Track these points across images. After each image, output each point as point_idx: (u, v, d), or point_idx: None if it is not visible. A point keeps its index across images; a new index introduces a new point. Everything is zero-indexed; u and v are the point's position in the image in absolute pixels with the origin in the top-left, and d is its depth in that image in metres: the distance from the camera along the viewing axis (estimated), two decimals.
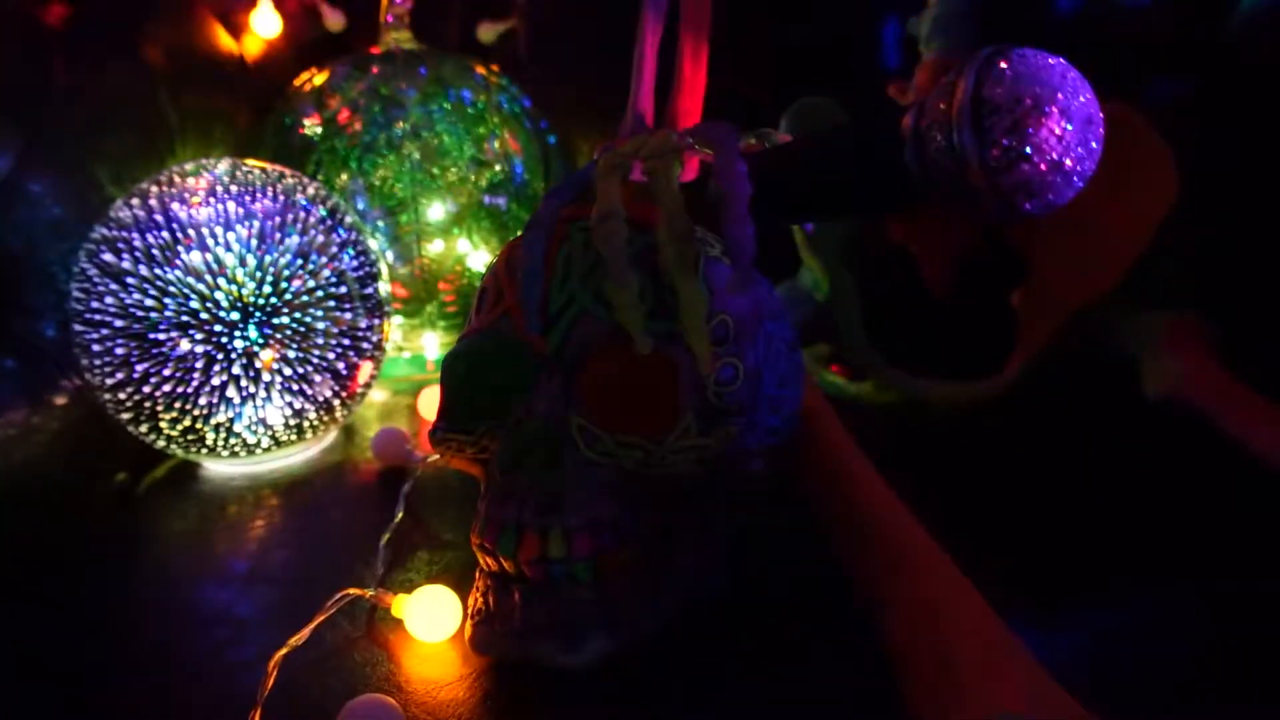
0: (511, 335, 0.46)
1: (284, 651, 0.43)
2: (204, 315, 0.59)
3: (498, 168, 0.85)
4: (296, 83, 0.87)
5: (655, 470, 0.43)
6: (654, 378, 0.44)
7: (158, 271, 0.59)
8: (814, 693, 0.42)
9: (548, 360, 0.44)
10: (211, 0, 0.92)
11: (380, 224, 0.81)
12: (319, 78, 0.85)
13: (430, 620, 0.46)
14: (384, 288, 0.70)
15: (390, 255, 0.82)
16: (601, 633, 0.42)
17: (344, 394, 0.67)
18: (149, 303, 0.58)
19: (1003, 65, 0.31)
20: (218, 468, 0.69)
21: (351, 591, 0.48)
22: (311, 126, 0.82)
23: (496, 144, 0.84)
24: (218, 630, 0.48)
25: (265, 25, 0.98)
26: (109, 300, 0.59)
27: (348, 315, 0.65)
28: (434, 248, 0.83)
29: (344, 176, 0.80)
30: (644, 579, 0.44)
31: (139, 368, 0.59)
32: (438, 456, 0.58)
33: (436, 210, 0.82)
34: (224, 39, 0.89)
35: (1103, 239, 0.73)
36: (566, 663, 0.42)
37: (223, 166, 0.64)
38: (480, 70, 0.89)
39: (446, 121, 0.83)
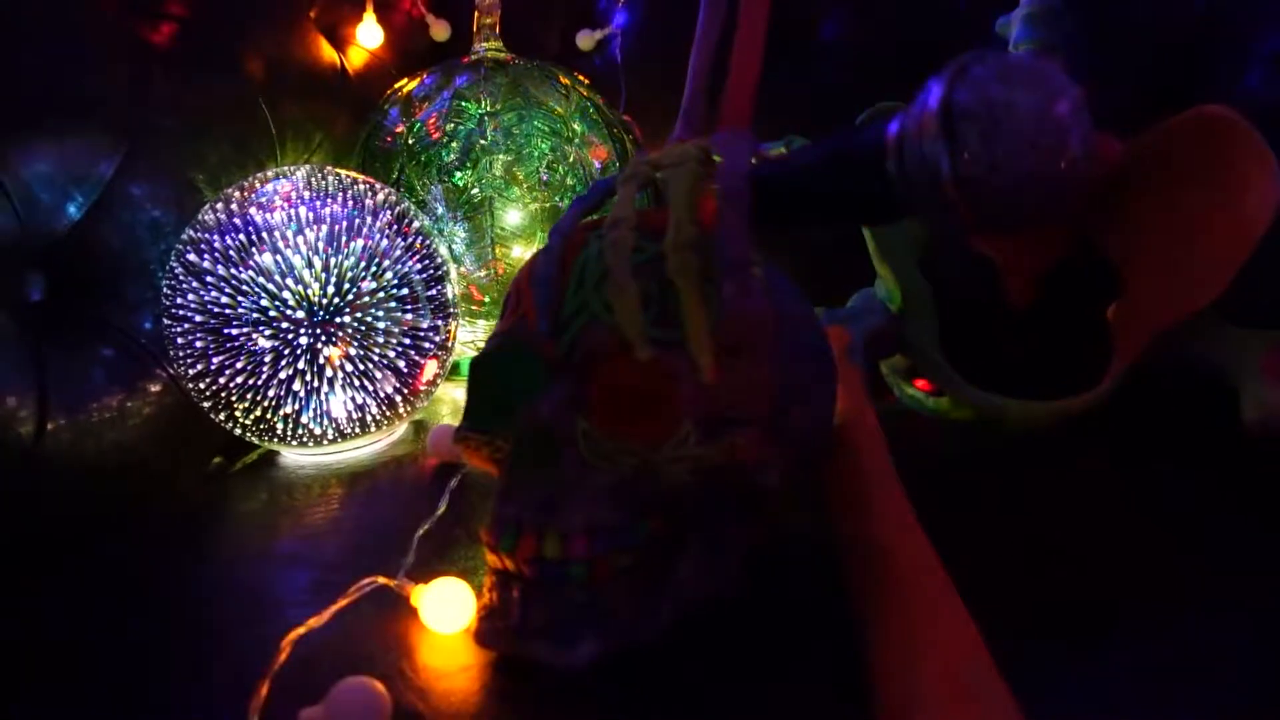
0: (525, 339, 0.47)
1: (301, 631, 0.45)
2: (273, 313, 0.63)
3: (577, 174, 0.86)
4: (388, 91, 0.91)
5: (651, 477, 0.43)
6: (654, 385, 0.44)
7: (233, 271, 0.63)
8: (807, 708, 0.41)
9: (558, 364, 0.45)
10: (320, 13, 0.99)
11: (459, 228, 0.84)
12: (408, 86, 0.89)
13: (443, 612, 0.48)
14: (450, 290, 0.73)
15: (468, 259, 0.84)
16: (594, 635, 0.43)
17: (406, 390, 0.70)
18: (225, 300, 0.63)
19: (977, 71, 0.30)
20: (293, 456, 0.74)
21: (378, 580, 0.51)
22: (398, 134, 0.86)
23: (574, 151, 0.86)
24: (249, 607, 0.51)
25: (369, 37, 1.03)
26: (190, 297, 0.64)
27: (409, 316, 0.68)
28: (512, 252, 0.86)
29: (425, 182, 0.83)
30: (642, 585, 0.44)
31: (215, 360, 0.64)
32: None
33: (513, 216, 0.84)
34: (325, 49, 0.94)
35: (1201, 249, 0.68)
36: (558, 661, 0.43)
37: (301, 173, 0.68)
38: (563, 79, 0.90)
39: (525, 129, 0.85)
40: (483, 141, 0.84)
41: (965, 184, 0.30)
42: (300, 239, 0.64)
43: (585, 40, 1.17)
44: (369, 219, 0.67)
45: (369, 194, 0.69)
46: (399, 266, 0.68)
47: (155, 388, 0.70)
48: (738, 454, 0.44)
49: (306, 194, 0.66)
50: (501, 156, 0.84)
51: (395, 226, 0.69)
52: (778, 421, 0.45)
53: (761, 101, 0.86)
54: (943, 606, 0.38)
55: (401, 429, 0.78)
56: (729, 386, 0.44)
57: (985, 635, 0.37)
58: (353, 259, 0.65)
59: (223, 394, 0.65)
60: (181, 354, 0.65)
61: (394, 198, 0.71)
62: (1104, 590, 0.49)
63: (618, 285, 0.42)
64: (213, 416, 0.68)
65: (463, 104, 0.85)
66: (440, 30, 1.14)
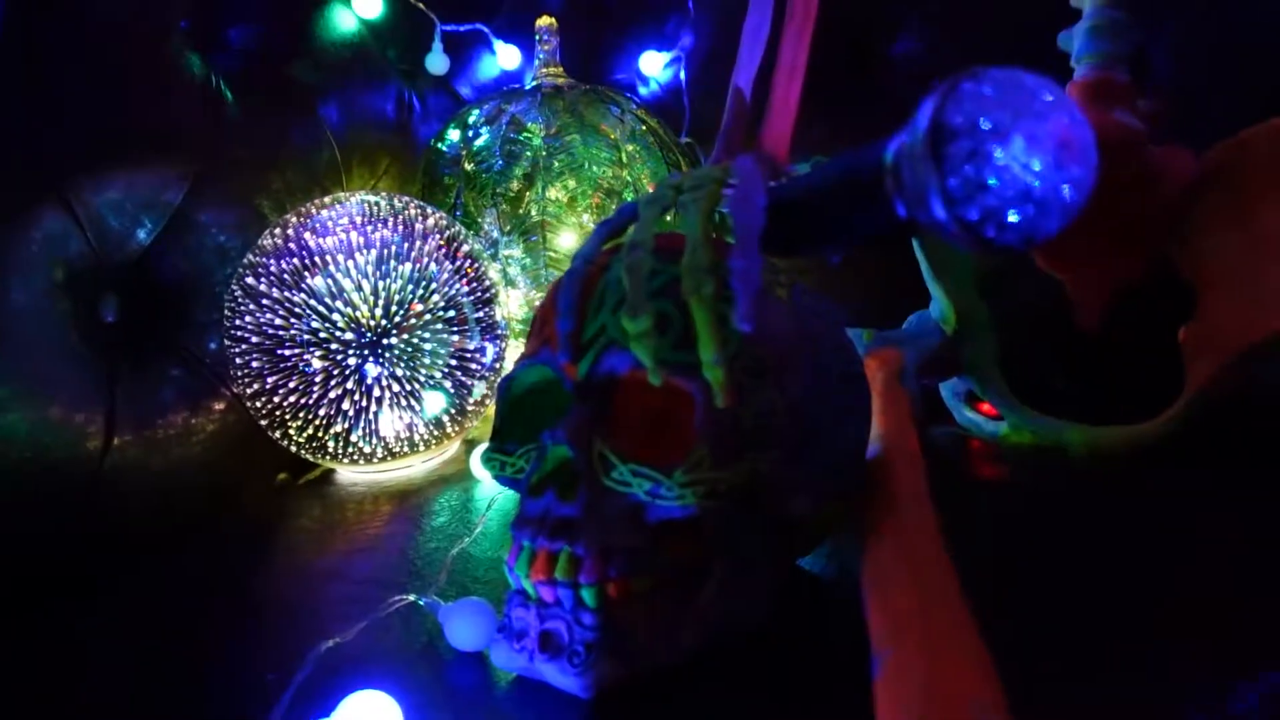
0: (548, 362, 0.47)
1: (329, 644, 0.46)
2: (323, 335, 0.65)
3: (631, 198, 0.87)
4: (452, 117, 0.94)
5: (665, 501, 0.42)
6: (670, 409, 0.44)
7: (287, 294, 0.65)
8: None
9: (579, 388, 0.46)
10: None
11: (515, 250, 0.85)
12: (468, 112, 0.91)
13: (464, 630, 0.48)
14: (499, 312, 0.74)
15: (523, 281, 0.86)
16: (606, 660, 0.42)
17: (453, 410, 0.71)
18: (278, 322, 0.65)
19: (967, 87, 0.29)
20: (349, 474, 0.76)
21: (407, 597, 0.51)
22: (457, 159, 0.88)
23: (627, 174, 0.87)
24: (286, 620, 0.53)
25: (437, 65, 1.06)
26: (248, 319, 0.66)
27: (455, 338, 0.69)
28: None
29: (481, 205, 0.85)
30: (660, 611, 0.44)
31: (269, 380, 0.66)
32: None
33: (567, 239, 0.85)
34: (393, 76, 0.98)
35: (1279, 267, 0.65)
36: (569, 685, 0.43)
37: (354, 199, 0.71)
38: (619, 103, 0.91)
39: (581, 153, 0.86)
40: (540, 165, 0.85)
41: (955, 206, 0.29)
42: (350, 263, 0.66)
43: (651, 62, 1.18)
44: (418, 243, 0.69)
45: (419, 218, 0.71)
46: (447, 289, 0.69)
47: (220, 406, 0.73)
48: (759, 478, 0.43)
49: (358, 219, 0.68)
50: (558, 180, 0.86)
51: (444, 250, 0.70)
52: (804, 446, 0.45)
53: (831, 119, 0.85)
54: (953, 644, 0.37)
55: (453, 448, 0.79)
56: (750, 410, 0.43)
57: (1012, 672, 0.36)
58: (400, 282, 0.67)
59: (277, 413, 0.67)
60: (240, 373, 0.68)
61: (444, 221, 0.73)
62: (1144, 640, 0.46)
63: (633, 308, 0.42)
64: (270, 434, 0.71)
65: (520, 129, 0.87)
66: (509, 58, 1.16)
